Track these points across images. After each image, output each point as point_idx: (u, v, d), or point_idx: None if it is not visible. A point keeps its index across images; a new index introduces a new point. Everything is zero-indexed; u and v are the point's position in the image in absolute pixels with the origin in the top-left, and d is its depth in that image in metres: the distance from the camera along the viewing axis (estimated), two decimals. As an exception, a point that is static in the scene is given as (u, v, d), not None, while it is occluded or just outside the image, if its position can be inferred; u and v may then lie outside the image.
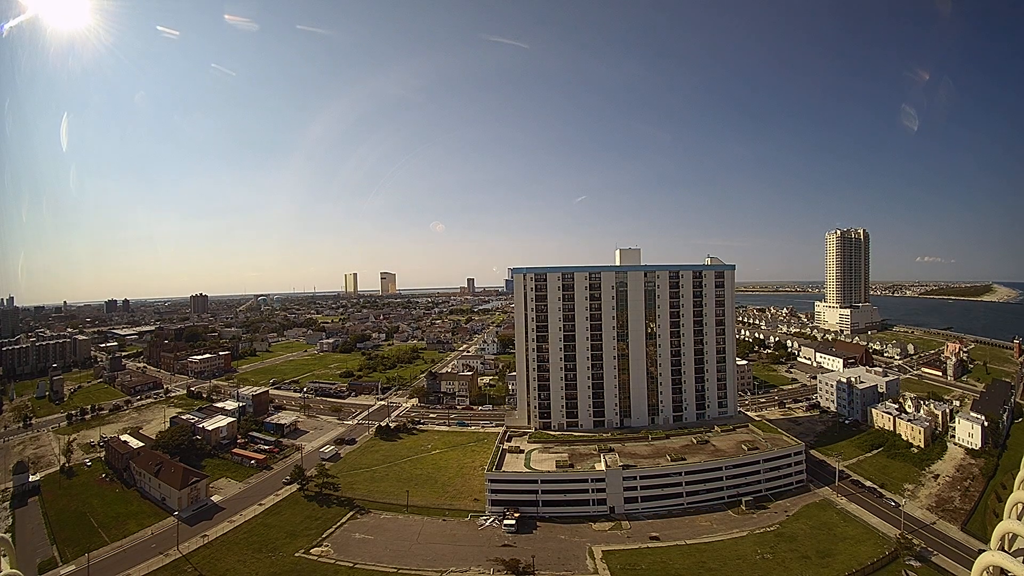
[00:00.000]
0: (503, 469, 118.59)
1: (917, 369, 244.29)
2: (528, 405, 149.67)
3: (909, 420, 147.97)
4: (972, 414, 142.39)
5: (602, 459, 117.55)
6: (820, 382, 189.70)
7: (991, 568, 61.93)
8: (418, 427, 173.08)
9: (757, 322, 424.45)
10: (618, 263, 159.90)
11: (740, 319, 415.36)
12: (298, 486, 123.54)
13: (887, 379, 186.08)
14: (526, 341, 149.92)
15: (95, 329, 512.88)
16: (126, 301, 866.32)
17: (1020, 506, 71.91)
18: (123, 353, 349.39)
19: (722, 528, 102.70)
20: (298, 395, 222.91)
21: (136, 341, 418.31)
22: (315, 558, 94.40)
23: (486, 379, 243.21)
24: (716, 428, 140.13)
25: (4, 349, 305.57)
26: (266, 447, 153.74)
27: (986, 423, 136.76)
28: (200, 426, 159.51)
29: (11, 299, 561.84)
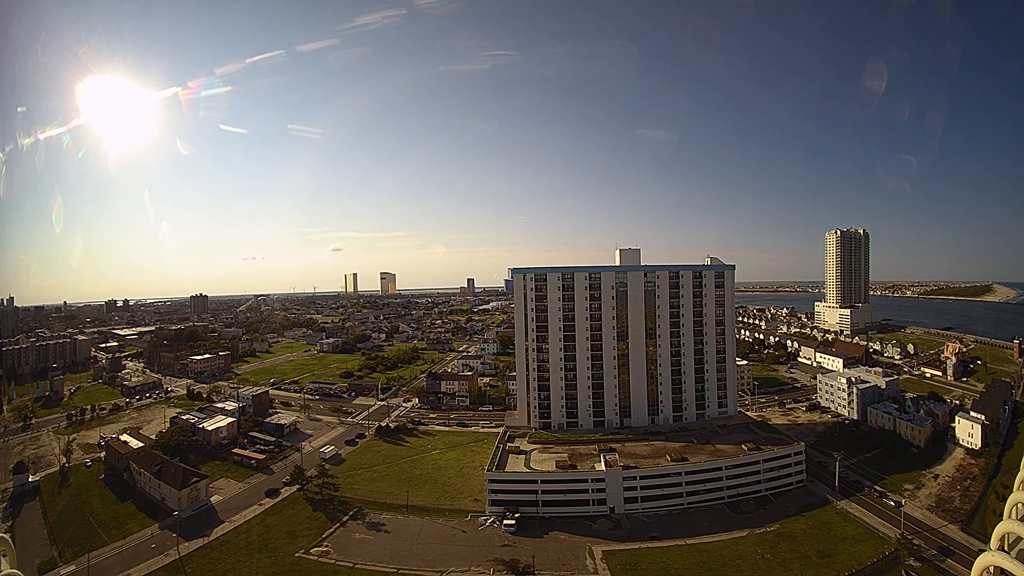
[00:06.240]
0: (503, 469, 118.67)
1: (917, 369, 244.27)
2: (528, 405, 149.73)
3: (909, 420, 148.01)
4: (972, 414, 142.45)
5: (602, 459, 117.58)
6: (820, 382, 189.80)
7: (991, 568, 61.83)
8: (418, 427, 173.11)
9: (757, 322, 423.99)
10: (618, 263, 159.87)
11: (740, 319, 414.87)
12: (298, 487, 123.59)
13: (887, 379, 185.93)
14: (526, 341, 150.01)
15: (95, 329, 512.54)
16: (126, 301, 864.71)
17: (1020, 506, 71.79)
18: (123, 353, 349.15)
19: (722, 528, 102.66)
20: (298, 395, 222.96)
21: (136, 341, 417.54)
22: (315, 558, 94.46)
23: (486, 379, 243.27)
24: (716, 428, 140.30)
25: (4, 349, 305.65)
26: (266, 448, 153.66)
27: (986, 423, 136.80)
28: (200, 427, 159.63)
29: (11, 299, 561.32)
